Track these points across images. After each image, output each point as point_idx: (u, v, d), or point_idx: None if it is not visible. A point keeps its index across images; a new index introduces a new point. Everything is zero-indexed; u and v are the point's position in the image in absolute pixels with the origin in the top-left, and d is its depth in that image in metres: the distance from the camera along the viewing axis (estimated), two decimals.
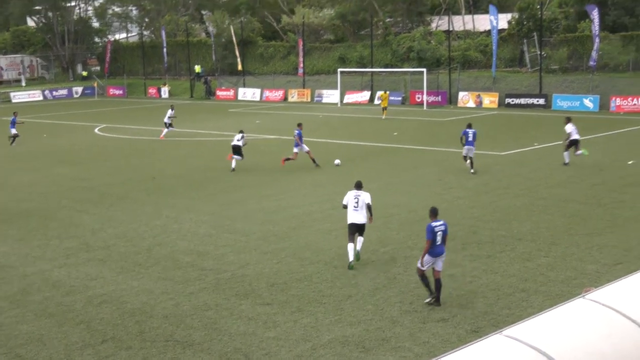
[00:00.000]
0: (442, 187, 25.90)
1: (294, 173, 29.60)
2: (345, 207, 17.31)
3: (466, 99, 57.78)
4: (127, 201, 25.16)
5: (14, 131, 41.46)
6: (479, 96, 57.23)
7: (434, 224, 14.56)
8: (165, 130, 42.35)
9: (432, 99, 58.44)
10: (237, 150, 30.52)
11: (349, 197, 17.15)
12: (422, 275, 14.74)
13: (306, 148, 30.46)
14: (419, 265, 14.73)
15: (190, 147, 38.82)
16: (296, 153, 30.39)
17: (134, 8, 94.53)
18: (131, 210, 23.75)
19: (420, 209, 21.93)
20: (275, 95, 69.85)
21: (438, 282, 14.63)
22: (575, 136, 29.45)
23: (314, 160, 30.56)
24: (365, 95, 64.10)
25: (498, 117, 50.20)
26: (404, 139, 39.23)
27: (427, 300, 14.69)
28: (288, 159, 30.54)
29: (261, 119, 52.49)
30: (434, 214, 14.78)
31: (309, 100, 66.91)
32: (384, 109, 51.07)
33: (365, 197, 17.12)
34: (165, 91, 78.26)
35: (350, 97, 64.33)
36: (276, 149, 36.32)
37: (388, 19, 74.61)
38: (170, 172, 30.77)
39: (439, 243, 14.58)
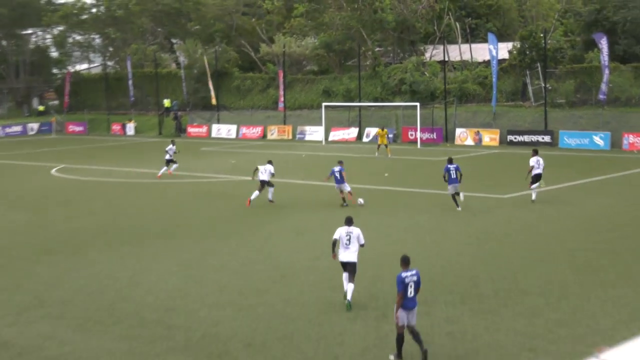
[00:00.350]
0: (439, 234, 25.87)
1: (275, 219, 29.51)
2: (334, 243, 18.42)
3: (464, 136, 58.12)
4: (87, 250, 24.93)
5: None
6: (478, 133, 57.60)
7: (404, 274, 14.65)
8: (167, 167, 43.39)
9: (426, 136, 58.74)
10: (267, 183, 32.72)
11: (340, 234, 18.45)
12: (401, 336, 14.67)
13: (348, 188, 31.74)
14: (397, 322, 14.70)
15: (158, 190, 38.70)
16: (349, 192, 31.77)
17: (96, 36, 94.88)
18: (91, 260, 23.52)
19: (415, 258, 21.85)
20: (253, 132, 70.02)
21: (414, 333, 14.64)
22: (538, 170, 31.18)
23: (344, 200, 31.80)
24: (352, 132, 64.36)
25: (499, 156, 50.46)
26: (396, 180, 39.27)
27: (391, 357, 14.77)
28: (344, 200, 31.88)
29: (237, 158, 52.49)
30: (405, 263, 14.92)
31: (290, 137, 67.07)
32: (380, 146, 51.35)
33: (357, 233, 18.50)
34: (131, 128, 78.30)
35: (336, 134, 64.58)
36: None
37: (377, 49, 75.20)
38: (136, 218, 30.60)
39: (411, 295, 14.61)
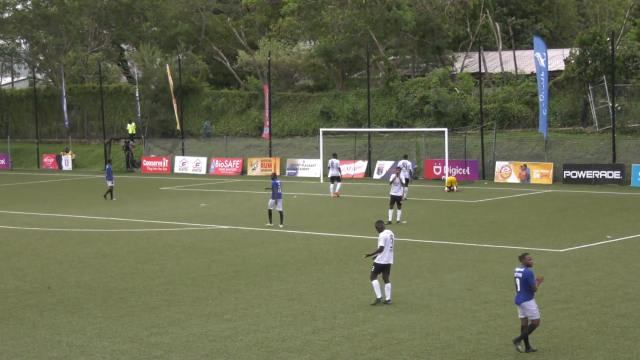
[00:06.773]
0: (474, 301, 25.90)
1: (260, 280, 29.48)
2: (381, 250, 24.87)
3: (506, 171, 58.19)
4: (10, 323, 24.91)
5: (110, 184, 53.95)
6: (524, 167, 57.66)
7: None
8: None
9: (457, 171, 58.80)
10: (337, 178, 50.90)
11: (386, 238, 24.87)
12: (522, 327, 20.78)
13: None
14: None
15: (103, 242, 38.68)
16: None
17: (22, 41, 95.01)
18: (15, 335, 23.49)
19: (443, 332, 21.89)
20: (229, 166, 70.10)
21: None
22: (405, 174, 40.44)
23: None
24: (360, 166, 64.40)
25: (553, 197, 50.47)
26: (418, 229, 39.31)
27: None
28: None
29: (207, 200, 52.50)
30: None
31: (277, 173, 67.09)
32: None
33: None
34: (68, 161, 78.34)
35: None
36: (230, 246, 36.24)
37: (392, 57, 75.42)
38: (74, 279, 30.57)
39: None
